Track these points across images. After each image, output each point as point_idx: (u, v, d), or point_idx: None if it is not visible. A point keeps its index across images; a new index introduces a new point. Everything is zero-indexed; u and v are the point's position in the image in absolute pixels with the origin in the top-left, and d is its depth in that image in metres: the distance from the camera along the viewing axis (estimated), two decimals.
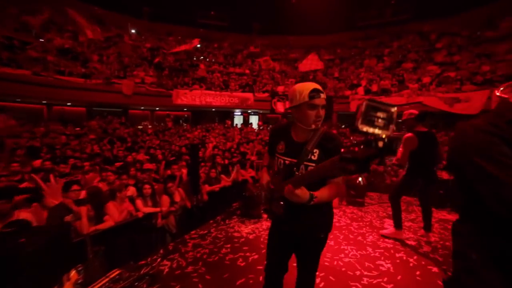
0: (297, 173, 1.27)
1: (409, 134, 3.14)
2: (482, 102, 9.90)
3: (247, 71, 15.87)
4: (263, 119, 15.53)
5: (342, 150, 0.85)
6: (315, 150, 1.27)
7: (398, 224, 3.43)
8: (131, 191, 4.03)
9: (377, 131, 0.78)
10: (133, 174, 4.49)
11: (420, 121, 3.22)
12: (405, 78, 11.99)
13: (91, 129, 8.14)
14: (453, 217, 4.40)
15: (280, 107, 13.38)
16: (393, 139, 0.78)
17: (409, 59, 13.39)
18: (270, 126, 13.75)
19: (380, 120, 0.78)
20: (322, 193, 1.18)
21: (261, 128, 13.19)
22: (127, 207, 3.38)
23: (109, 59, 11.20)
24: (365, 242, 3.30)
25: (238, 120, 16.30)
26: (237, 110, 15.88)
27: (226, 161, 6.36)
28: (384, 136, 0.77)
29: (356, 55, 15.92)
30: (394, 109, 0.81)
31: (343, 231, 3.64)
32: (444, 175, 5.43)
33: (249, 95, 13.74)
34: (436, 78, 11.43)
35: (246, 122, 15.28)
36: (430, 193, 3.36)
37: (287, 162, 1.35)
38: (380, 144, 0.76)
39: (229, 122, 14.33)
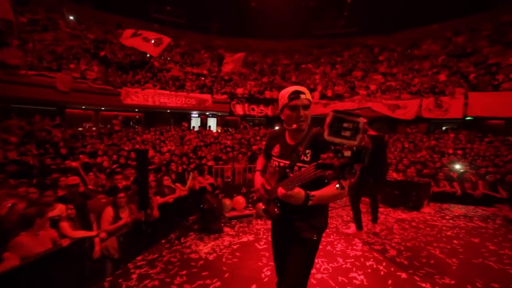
0: (290, 174, 1.22)
1: None
2: (416, 109, 11.20)
3: (205, 72, 15.11)
4: (221, 122, 14.95)
5: (322, 156, 0.86)
6: (307, 151, 1.26)
7: (359, 226, 3.53)
8: (59, 209, 3.16)
9: (344, 141, 0.80)
10: (64, 186, 3.59)
11: (369, 125, 3.50)
12: (355, 85, 12.86)
13: (5, 130, 6.41)
14: (407, 216, 4.60)
15: (239, 109, 13.02)
16: (362, 148, 0.80)
17: (358, 68, 14.46)
18: (230, 129, 13.26)
19: (346, 131, 0.80)
20: (321, 193, 1.14)
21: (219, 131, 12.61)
22: (51, 235, 2.54)
23: (35, 46, 9.26)
24: (334, 252, 3.10)
25: (195, 122, 15.37)
26: (194, 112, 14.96)
27: (181, 168, 5.70)
28: (351, 146, 0.79)
29: (311, 62, 16.59)
30: (359, 119, 0.80)
31: None
32: (395, 175, 5.75)
33: (207, 96, 13.03)
34: (380, 86, 12.53)
35: (204, 125, 14.49)
36: (378, 189, 3.66)
37: (281, 164, 1.34)
38: (348, 153, 0.79)
39: (186, 125, 13.37)
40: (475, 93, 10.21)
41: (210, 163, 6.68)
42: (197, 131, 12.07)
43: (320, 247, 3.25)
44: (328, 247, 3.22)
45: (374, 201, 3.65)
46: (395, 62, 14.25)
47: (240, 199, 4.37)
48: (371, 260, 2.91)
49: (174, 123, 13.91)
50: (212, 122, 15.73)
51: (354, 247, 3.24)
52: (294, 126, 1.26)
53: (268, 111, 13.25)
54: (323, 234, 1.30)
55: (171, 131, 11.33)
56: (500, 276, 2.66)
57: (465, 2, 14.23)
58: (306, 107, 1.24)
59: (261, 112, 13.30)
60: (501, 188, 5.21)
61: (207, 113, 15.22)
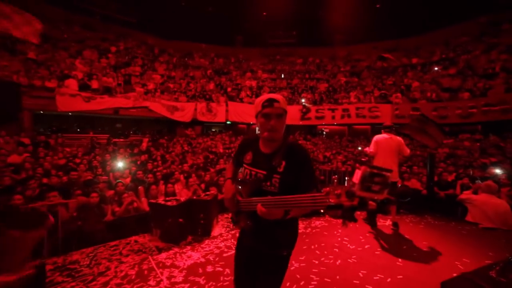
0: (265, 183, 1.21)
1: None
2: (192, 112, 11.61)
3: None
4: None
5: (324, 189, 0.83)
6: (281, 162, 1.20)
7: None
8: None
9: (373, 195, 0.94)
10: None
11: None
12: (131, 81, 10.75)
13: None
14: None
15: None
16: (386, 200, 1.16)
17: (136, 63, 12.42)
18: None
19: (376, 185, 0.91)
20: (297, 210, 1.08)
21: None
22: None
23: None
24: None
25: None
26: None
27: None
28: (378, 199, 0.99)
29: (72, 41, 11.79)
30: (389, 174, 0.94)
31: None
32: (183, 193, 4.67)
33: None
34: (159, 86, 11.54)
35: None
36: None
37: (253, 173, 1.27)
38: (373, 206, 1.22)
39: None
40: (232, 102, 12.53)
41: None
42: None
43: None
44: None
45: None
46: (173, 66, 14.09)
47: None
48: None
49: None
50: None
51: None
52: (266, 134, 1.19)
53: None
54: None
55: None
56: None
57: (221, 35, 17.47)
58: (279, 116, 1.17)
59: None
60: None
61: None
